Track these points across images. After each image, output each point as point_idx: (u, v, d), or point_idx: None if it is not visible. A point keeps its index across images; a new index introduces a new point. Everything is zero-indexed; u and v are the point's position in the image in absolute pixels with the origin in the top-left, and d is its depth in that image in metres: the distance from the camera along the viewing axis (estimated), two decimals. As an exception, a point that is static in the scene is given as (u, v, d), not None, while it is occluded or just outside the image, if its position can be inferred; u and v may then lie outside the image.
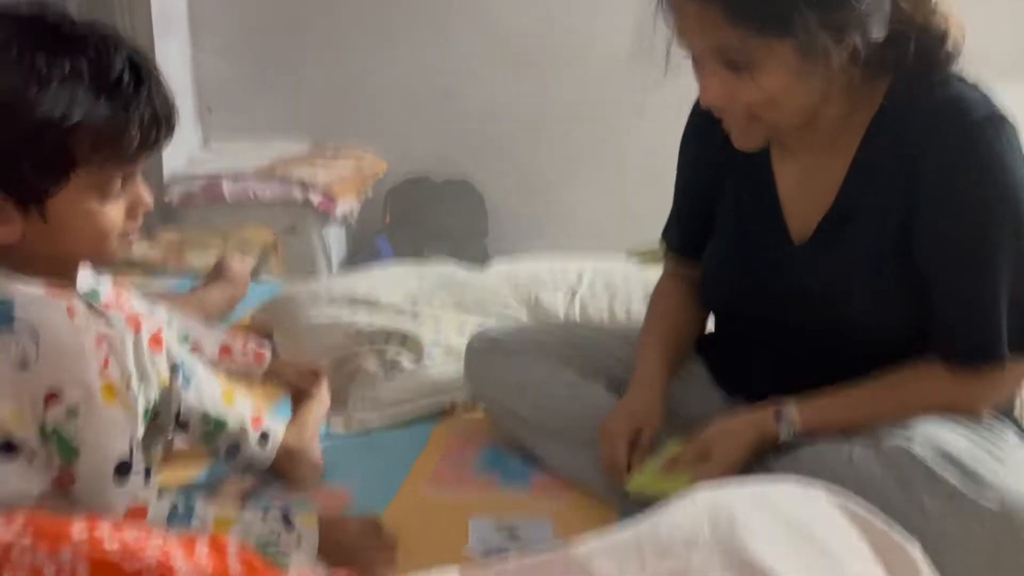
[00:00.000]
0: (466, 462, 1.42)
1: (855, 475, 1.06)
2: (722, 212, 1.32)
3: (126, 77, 0.91)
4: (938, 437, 1.06)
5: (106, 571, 0.61)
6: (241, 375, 1.38)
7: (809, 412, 1.17)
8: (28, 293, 0.91)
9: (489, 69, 3.28)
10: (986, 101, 1.09)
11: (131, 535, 0.69)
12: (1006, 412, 1.21)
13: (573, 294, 1.96)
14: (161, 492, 1.03)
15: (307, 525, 1.09)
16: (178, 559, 0.64)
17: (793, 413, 1.17)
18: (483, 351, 1.45)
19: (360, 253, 3.34)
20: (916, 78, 1.12)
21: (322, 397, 1.42)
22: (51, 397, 0.90)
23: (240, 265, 2.04)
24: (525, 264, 2.16)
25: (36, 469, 0.95)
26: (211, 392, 1.21)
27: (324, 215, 3.10)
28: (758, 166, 1.25)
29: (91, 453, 0.93)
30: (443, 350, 1.65)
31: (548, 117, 3.28)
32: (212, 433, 1.22)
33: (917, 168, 1.10)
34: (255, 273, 2.74)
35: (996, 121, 1.07)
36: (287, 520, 1.08)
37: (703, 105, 1.14)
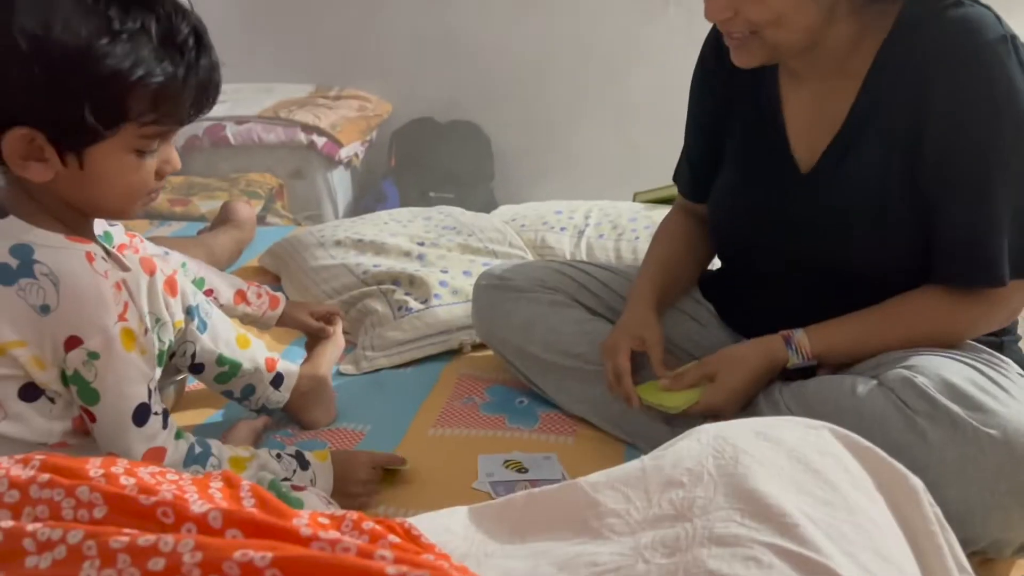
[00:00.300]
0: (474, 400, 1.43)
1: (859, 405, 1.07)
2: (729, 145, 1.31)
3: (190, 42, 0.92)
4: (941, 368, 1.07)
5: (123, 505, 0.62)
6: (256, 319, 1.39)
7: (817, 337, 1.18)
8: (48, 238, 0.93)
9: (493, 9, 3.23)
10: (997, 22, 1.08)
11: (145, 473, 0.70)
12: (1009, 343, 1.22)
13: (580, 234, 1.96)
14: (178, 434, 1.04)
15: (321, 462, 1.11)
16: (192, 494, 0.66)
17: (802, 337, 1.18)
18: (490, 288, 1.45)
19: (366, 197, 3.33)
20: (925, 1, 1.11)
21: (337, 339, 1.43)
22: (72, 341, 0.93)
23: (247, 209, 2.04)
24: (531, 206, 2.16)
25: (57, 410, 0.98)
26: (226, 335, 1.22)
27: (329, 158, 3.08)
28: (767, 96, 1.25)
29: (111, 397, 0.96)
30: (450, 290, 1.66)
31: (553, 58, 3.24)
32: (227, 375, 1.23)
33: (926, 88, 1.09)
34: (261, 218, 2.75)
35: (1007, 41, 1.07)
36: (301, 459, 1.10)
37: (708, 18, 1.14)
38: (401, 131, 3.39)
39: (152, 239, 1.36)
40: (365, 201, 3.28)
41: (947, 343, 1.14)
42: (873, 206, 1.15)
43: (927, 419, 1.02)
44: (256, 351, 1.26)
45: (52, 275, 0.91)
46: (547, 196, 2.40)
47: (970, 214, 1.10)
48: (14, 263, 0.91)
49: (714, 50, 1.29)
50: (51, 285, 0.91)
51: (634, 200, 2.20)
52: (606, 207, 2.06)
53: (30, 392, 0.95)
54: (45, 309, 0.91)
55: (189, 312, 1.16)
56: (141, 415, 0.98)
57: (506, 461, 1.25)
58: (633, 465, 0.75)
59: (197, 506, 0.61)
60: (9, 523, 0.61)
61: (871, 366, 1.16)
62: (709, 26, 1.31)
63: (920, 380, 1.05)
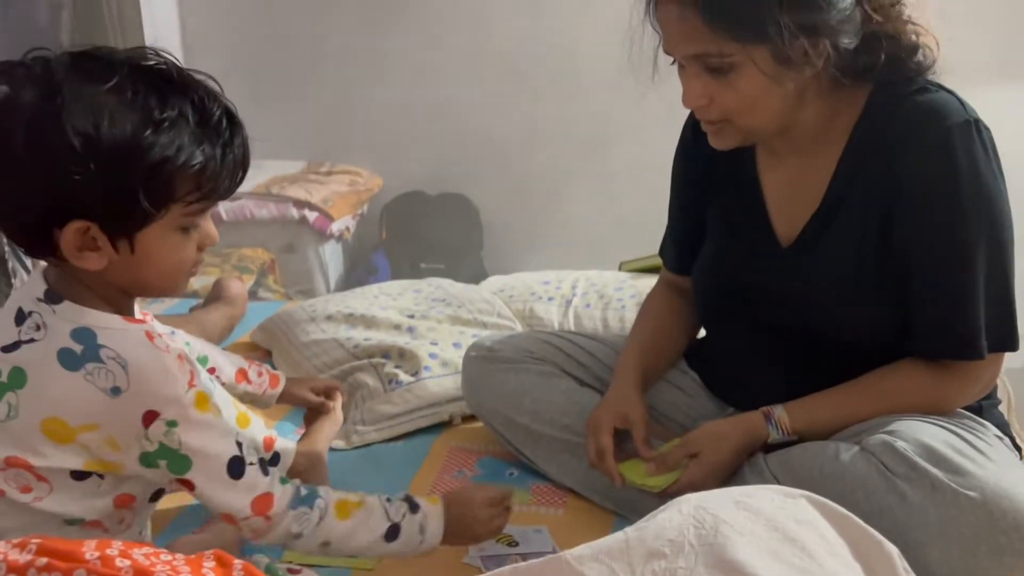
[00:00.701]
0: (465, 473, 1.44)
1: (842, 470, 1.10)
2: (712, 219, 1.35)
3: (224, 123, 0.96)
4: (920, 432, 1.10)
5: (119, 588, 0.63)
6: (257, 398, 1.39)
7: (797, 413, 1.21)
8: (107, 320, 0.95)
9: (481, 85, 3.31)
10: (961, 107, 1.13)
11: (140, 554, 0.71)
12: (988, 407, 1.25)
13: (567, 304, 1.99)
14: (282, 480, 1.04)
15: (432, 505, 1.10)
16: (186, 574, 0.67)
17: (781, 414, 1.21)
18: (479, 360, 1.48)
19: (357, 269, 3.36)
20: (894, 86, 1.16)
21: (335, 415, 1.43)
22: (149, 415, 0.93)
23: (238, 285, 2.06)
24: (519, 276, 2.19)
25: (105, 486, 0.98)
26: (228, 414, 1.24)
27: (320, 233, 3.13)
28: (745, 173, 1.29)
29: (200, 459, 0.96)
30: (440, 362, 1.68)
31: (540, 131, 3.31)
32: None
33: (896, 171, 1.14)
34: (253, 293, 2.77)
35: (971, 125, 1.12)
36: (411, 502, 1.09)
37: (685, 106, 1.19)
38: (392, 204, 3.45)
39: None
40: (357, 273, 3.31)
41: (928, 414, 1.17)
42: (852, 279, 1.19)
43: (907, 482, 1.05)
44: (255, 429, 1.27)
45: (119, 358, 0.92)
46: (535, 266, 2.44)
47: (945, 293, 1.15)
48: (78, 348, 0.92)
49: (693, 133, 1.34)
50: (119, 367, 0.92)
51: (620, 269, 2.23)
52: (593, 277, 2.09)
53: (80, 472, 0.95)
54: (116, 391, 0.92)
55: None
56: (236, 469, 0.98)
57: (497, 536, 1.25)
58: (616, 537, 0.77)
59: (191, 588, 0.62)
60: (7, 607, 0.62)
61: (854, 432, 1.18)
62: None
63: (900, 444, 1.07)
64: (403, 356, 1.69)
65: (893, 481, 1.05)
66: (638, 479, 1.25)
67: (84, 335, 0.93)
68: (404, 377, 1.63)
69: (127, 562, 0.67)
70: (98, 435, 0.93)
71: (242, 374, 1.37)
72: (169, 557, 0.72)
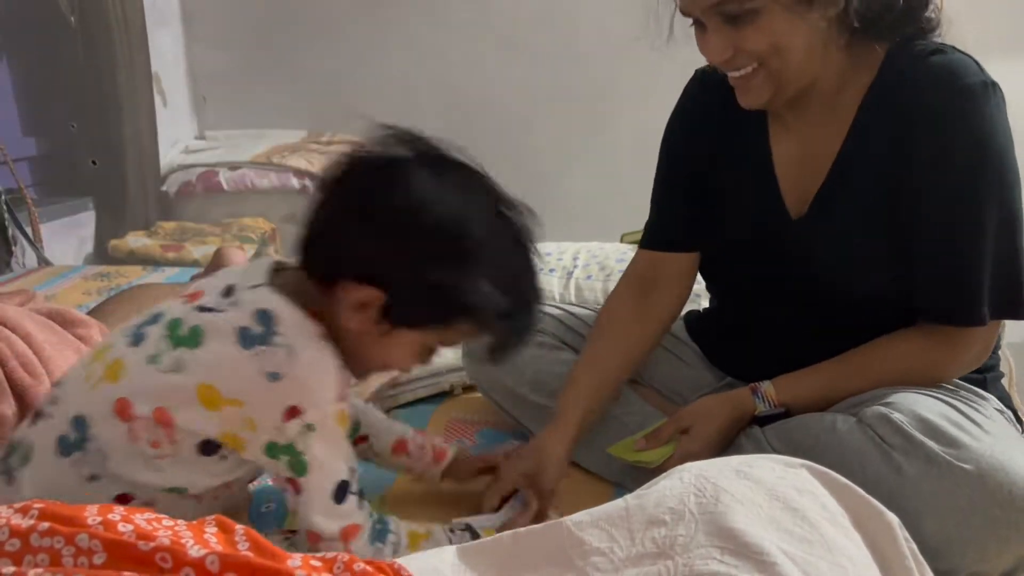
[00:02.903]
0: (465, 444, 1.45)
1: (838, 441, 1.10)
2: (722, 195, 1.34)
3: (536, 302, 1.01)
4: (916, 404, 1.09)
5: (122, 551, 0.64)
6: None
7: (784, 386, 1.22)
8: (289, 311, 0.95)
9: (482, 55, 3.29)
10: (978, 69, 1.12)
11: (142, 519, 0.72)
12: (992, 379, 1.25)
13: (568, 276, 1.99)
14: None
15: (489, 535, 1.09)
16: (188, 539, 0.67)
17: (768, 387, 1.22)
18: (480, 332, 1.47)
19: (358, 240, 3.36)
20: (910, 47, 1.15)
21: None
22: (292, 411, 0.93)
23: (239, 255, 2.06)
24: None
25: (224, 468, 0.99)
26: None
27: (321, 202, 3.12)
28: (755, 146, 1.28)
29: (319, 470, 0.96)
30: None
31: (542, 102, 3.29)
32: None
33: (910, 134, 1.13)
34: (254, 262, 2.76)
35: (988, 87, 1.10)
36: (473, 533, 1.10)
37: (711, 62, 1.17)
38: (392, 175, 3.43)
39: (144, 285, 1.37)
40: (357, 244, 3.31)
41: (922, 385, 1.17)
42: (862, 250, 1.19)
43: (903, 454, 1.05)
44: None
45: (289, 347, 0.93)
46: (536, 237, 2.43)
47: (952, 255, 1.14)
48: (257, 328, 0.93)
49: (700, 106, 1.33)
50: (287, 355, 0.92)
51: (622, 241, 2.24)
52: (594, 248, 2.10)
53: (209, 446, 0.96)
54: (275, 376, 0.92)
55: None
56: (341, 493, 0.98)
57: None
58: (617, 504, 0.77)
59: (194, 551, 0.63)
60: (11, 569, 0.62)
61: (851, 404, 1.18)
62: (687, 69, 1.35)
63: (896, 416, 1.07)
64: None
65: (889, 453, 1.06)
66: (630, 456, 1.26)
67: (265, 317, 0.94)
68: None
69: (129, 526, 0.67)
70: (241, 412, 0.93)
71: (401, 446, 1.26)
72: (171, 523, 0.73)
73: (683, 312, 1.49)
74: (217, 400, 0.93)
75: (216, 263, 2.02)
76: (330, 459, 0.97)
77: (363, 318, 0.95)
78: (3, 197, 2.69)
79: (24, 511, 0.71)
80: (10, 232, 2.72)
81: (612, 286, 1.91)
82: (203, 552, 0.65)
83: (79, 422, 0.96)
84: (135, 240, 2.98)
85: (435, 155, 0.98)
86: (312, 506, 0.97)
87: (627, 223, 2.36)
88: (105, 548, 0.65)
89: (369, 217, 0.93)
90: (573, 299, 1.90)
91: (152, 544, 0.64)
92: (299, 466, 0.96)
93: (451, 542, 1.06)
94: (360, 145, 0.99)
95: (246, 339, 0.93)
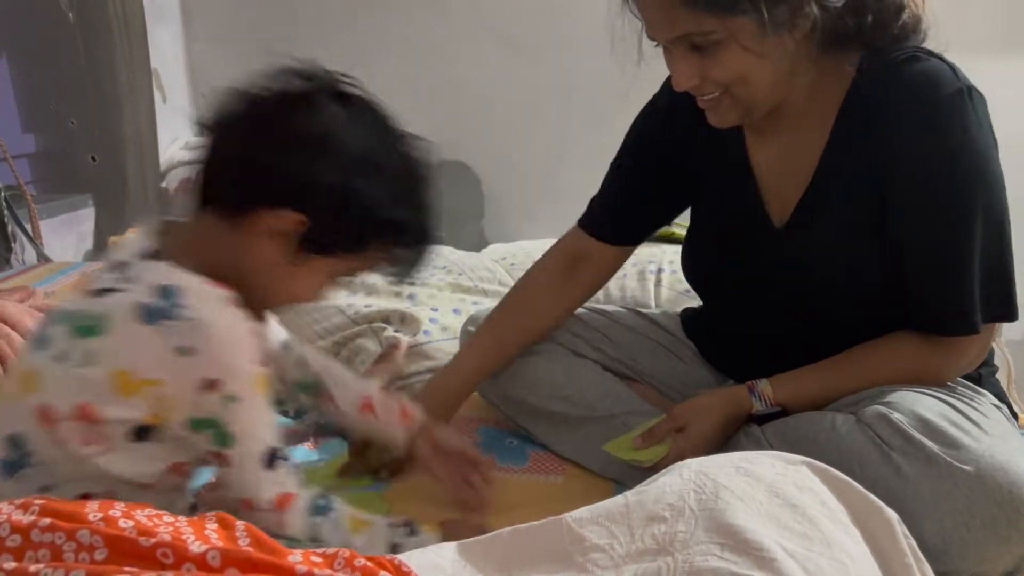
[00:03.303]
0: (464, 440, 1.44)
1: (837, 440, 1.10)
2: (703, 205, 1.34)
3: (433, 230, 1.05)
4: (916, 404, 1.09)
5: (123, 547, 0.64)
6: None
7: (781, 385, 1.21)
8: (191, 281, 0.93)
9: (481, 52, 3.29)
10: (953, 74, 1.10)
11: (143, 515, 0.72)
12: (987, 375, 1.25)
13: (567, 273, 1.99)
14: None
15: (430, 534, 1.09)
16: (189, 535, 0.68)
17: (766, 387, 1.22)
18: (478, 332, 1.47)
19: (358, 236, 3.35)
20: (883, 53, 1.13)
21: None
22: (210, 384, 0.92)
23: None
24: (520, 244, 2.19)
25: (163, 452, 0.97)
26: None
27: (321, 199, 3.11)
28: (734, 155, 1.27)
29: (246, 440, 0.96)
30: (440, 327, 1.68)
31: (541, 98, 3.29)
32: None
33: (890, 143, 1.12)
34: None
35: (963, 94, 1.08)
36: (412, 529, 1.09)
37: (676, 89, 1.16)
38: (392, 171, 3.43)
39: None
40: (357, 240, 3.30)
41: (919, 386, 1.16)
42: (846, 257, 1.18)
43: (902, 454, 1.05)
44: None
45: (195, 319, 0.91)
46: (536, 234, 2.43)
47: (941, 267, 1.13)
48: (159, 304, 0.91)
49: (668, 106, 1.33)
50: (193, 328, 0.91)
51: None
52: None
53: (142, 432, 0.94)
54: (184, 350, 0.90)
55: None
56: (270, 459, 0.97)
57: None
58: (616, 500, 0.77)
59: (196, 546, 0.63)
60: (12, 565, 0.63)
61: (851, 402, 1.18)
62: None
63: (895, 416, 1.07)
64: (403, 320, 1.70)
65: (888, 453, 1.05)
66: (626, 455, 1.26)
67: (167, 292, 0.92)
68: (404, 341, 1.63)
69: (130, 523, 0.67)
70: (162, 391, 0.92)
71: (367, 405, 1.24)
72: (172, 519, 0.73)
73: (679, 309, 1.49)
74: (132, 384, 0.91)
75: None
76: (256, 427, 0.96)
77: (277, 246, 0.94)
78: (3, 194, 2.69)
79: (25, 507, 0.71)
80: (9, 229, 2.72)
81: (611, 283, 1.90)
82: (204, 548, 0.65)
83: (15, 441, 0.93)
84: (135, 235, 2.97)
85: (335, 85, 1.00)
86: (244, 475, 0.96)
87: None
88: (106, 544, 0.65)
89: (284, 143, 0.93)
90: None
91: (153, 540, 0.64)
92: (225, 438, 0.95)
93: (390, 535, 1.05)
94: (251, 83, 0.98)
95: (149, 314, 0.90)
